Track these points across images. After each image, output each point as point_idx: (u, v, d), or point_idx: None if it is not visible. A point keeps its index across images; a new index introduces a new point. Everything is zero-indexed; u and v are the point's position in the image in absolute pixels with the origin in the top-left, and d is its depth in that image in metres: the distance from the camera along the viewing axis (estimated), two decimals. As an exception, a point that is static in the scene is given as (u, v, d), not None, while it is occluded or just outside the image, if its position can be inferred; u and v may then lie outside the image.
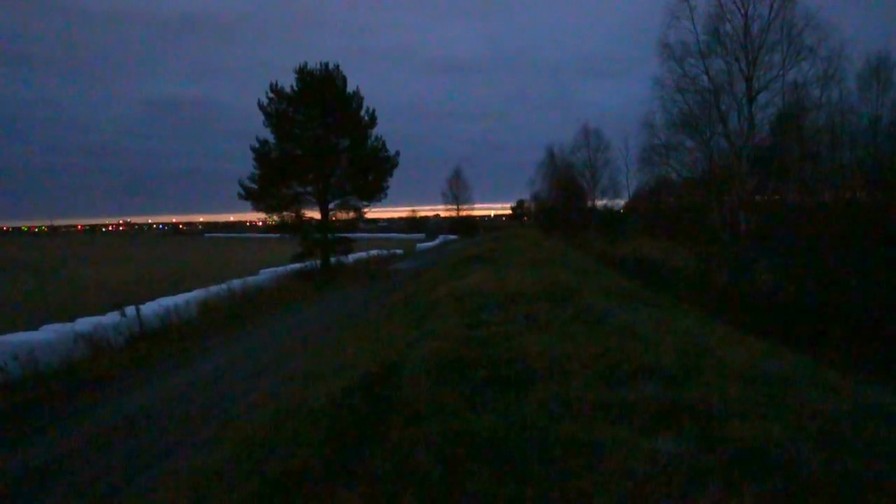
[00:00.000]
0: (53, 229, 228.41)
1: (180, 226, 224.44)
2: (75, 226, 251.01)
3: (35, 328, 12.77)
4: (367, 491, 4.55)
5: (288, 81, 30.08)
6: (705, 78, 32.84)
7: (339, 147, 31.18)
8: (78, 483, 6.64)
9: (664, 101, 34.71)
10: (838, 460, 4.63)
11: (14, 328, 12.92)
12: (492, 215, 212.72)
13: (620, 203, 70.29)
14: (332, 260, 32.45)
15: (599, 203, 69.92)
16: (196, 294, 19.07)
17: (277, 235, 33.23)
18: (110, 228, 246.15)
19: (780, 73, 31.02)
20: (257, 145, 29.51)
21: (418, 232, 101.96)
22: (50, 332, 12.42)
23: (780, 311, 16.74)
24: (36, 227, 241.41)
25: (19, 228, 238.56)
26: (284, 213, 31.08)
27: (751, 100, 31.36)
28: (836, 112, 31.54)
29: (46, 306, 20.45)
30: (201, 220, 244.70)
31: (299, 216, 31.59)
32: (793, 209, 28.13)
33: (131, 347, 13.66)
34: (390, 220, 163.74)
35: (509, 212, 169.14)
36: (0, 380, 10.36)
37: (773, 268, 22.35)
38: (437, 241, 73.28)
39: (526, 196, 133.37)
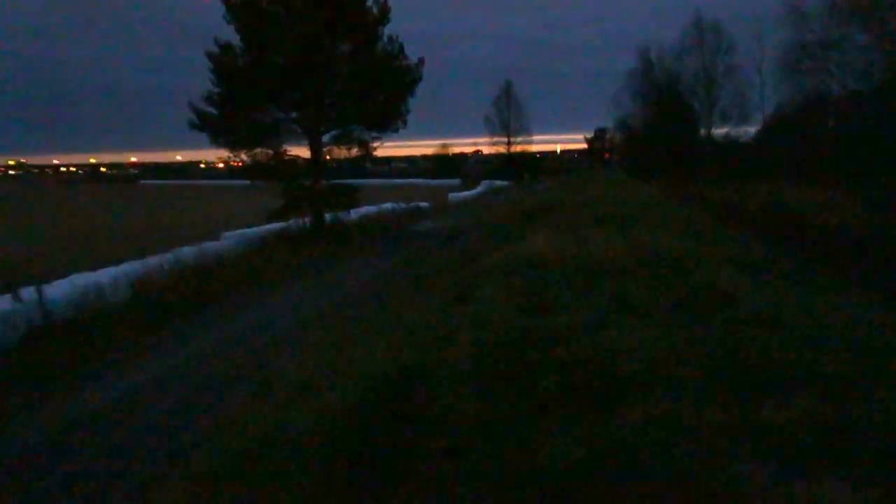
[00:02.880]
0: None
1: (101, 169, 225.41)
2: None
3: None
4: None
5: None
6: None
7: (336, 53, 30.95)
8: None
9: (822, -22, 33.71)
10: None
11: None
12: (558, 151, 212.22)
13: (750, 131, 68.97)
14: (328, 217, 32.48)
15: (718, 132, 68.75)
16: (128, 268, 19.13)
17: (247, 183, 33.28)
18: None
19: None
20: (216, 51, 29.39)
21: (452, 176, 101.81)
22: None
23: None
24: None
25: None
26: (257, 151, 31.06)
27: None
28: None
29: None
30: (133, 160, 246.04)
31: (279, 154, 31.58)
32: None
33: (30, 348, 13.68)
34: (412, 160, 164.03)
35: (583, 145, 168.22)
36: None
37: None
38: (478, 190, 73.12)
39: (608, 123, 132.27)
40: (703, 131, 69.29)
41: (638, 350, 8.35)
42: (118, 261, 20.21)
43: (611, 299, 11.85)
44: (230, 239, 27.00)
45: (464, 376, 7.89)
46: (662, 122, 70.39)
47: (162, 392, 11.16)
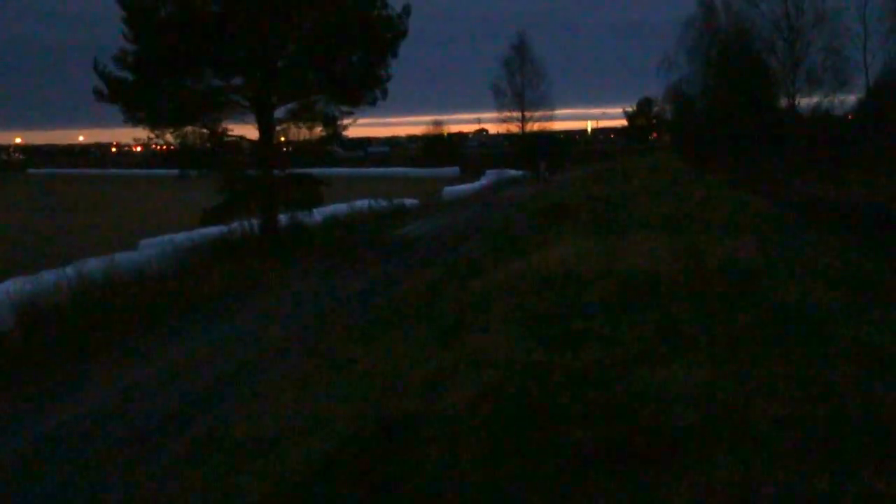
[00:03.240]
0: None
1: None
2: None
3: None
4: None
5: None
6: None
7: (292, -1, 30.85)
8: None
9: None
10: None
11: None
12: (589, 130, 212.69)
13: (849, 100, 68.46)
14: (283, 219, 32.35)
15: (805, 101, 68.24)
16: (12, 287, 19.08)
17: (175, 173, 33.06)
18: None
19: None
20: None
21: (448, 165, 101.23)
22: None
23: None
24: None
25: None
26: (188, 130, 30.69)
27: None
28: None
29: None
30: (18, 141, 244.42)
31: (217, 135, 31.35)
32: None
33: None
34: (394, 143, 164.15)
35: (622, 122, 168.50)
36: None
37: None
38: (483, 182, 72.90)
39: (655, 92, 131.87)
40: (783, 101, 68.72)
41: (695, 395, 8.36)
42: (0, 276, 20.18)
43: (658, 327, 11.86)
44: (150, 248, 26.83)
45: (462, 431, 7.90)
46: (729, 89, 69.83)
47: (51, 458, 11.16)
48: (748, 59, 68.15)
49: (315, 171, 33.44)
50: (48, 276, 20.56)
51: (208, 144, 31.01)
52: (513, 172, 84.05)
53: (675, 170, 69.90)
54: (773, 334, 11.33)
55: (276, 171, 31.62)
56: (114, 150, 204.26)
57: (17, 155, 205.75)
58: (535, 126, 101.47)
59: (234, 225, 30.46)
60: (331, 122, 32.45)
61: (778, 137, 65.06)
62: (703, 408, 7.99)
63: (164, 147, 32.06)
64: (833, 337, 11.04)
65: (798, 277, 15.72)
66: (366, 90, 32.05)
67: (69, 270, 21.28)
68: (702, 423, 7.63)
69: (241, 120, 31.55)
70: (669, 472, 6.69)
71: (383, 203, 46.92)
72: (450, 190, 61.93)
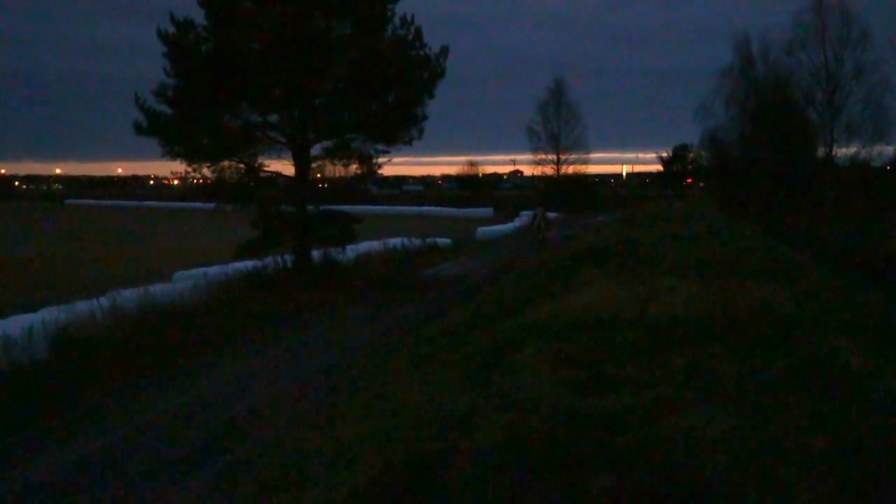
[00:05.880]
0: None
1: (15, 182, 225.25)
2: None
3: None
4: None
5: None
6: None
7: (331, 38, 30.69)
8: None
9: None
10: None
11: None
12: (624, 174, 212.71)
13: (888, 151, 67.52)
14: (316, 255, 32.22)
15: (843, 152, 67.32)
16: (48, 316, 19.06)
17: (210, 206, 32.99)
18: None
19: None
20: (173, 30, 29.09)
21: (481, 205, 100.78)
22: None
23: None
24: None
25: None
26: (225, 164, 30.64)
27: None
28: None
29: None
30: (58, 172, 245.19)
31: (254, 170, 31.29)
32: None
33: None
34: (428, 182, 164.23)
35: (658, 167, 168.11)
36: None
37: None
38: (517, 223, 72.80)
39: (692, 138, 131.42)
40: (821, 150, 67.76)
41: (724, 442, 8.28)
42: (33, 305, 20.20)
43: (688, 373, 11.76)
44: (185, 281, 26.81)
45: (489, 471, 7.84)
46: (766, 138, 69.07)
47: (75, 487, 11.15)
48: (785, 109, 67.37)
49: (349, 208, 33.25)
50: (82, 307, 20.57)
51: (244, 179, 30.91)
52: (548, 215, 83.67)
53: (710, 216, 69.49)
54: (805, 383, 11.21)
55: (310, 208, 31.50)
56: (151, 182, 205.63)
57: (56, 186, 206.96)
58: (569, 169, 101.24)
59: (268, 260, 30.36)
60: (366, 160, 32.30)
61: (815, 186, 64.49)
62: (732, 454, 7.91)
63: (201, 181, 31.91)
64: (866, 389, 10.92)
65: (832, 327, 15.57)
66: (402, 129, 31.87)
67: (103, 301, 21.29)
68: (731, 469, 7.56)
69: (278, 156, 31.53)
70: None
71: (416, 242, 46.79)
72: (483, 230, 61.95)
